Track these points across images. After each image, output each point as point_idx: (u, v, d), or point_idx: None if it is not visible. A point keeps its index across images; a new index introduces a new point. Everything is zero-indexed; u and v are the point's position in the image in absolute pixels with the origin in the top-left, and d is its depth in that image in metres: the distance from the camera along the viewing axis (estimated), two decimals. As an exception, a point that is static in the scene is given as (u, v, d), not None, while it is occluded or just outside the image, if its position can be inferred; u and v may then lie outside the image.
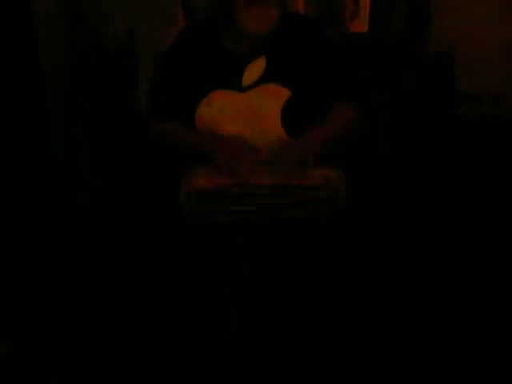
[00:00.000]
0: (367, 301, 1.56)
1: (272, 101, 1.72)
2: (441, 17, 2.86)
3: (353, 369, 1.46)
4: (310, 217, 1.56)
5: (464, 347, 1.55)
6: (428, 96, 2.87)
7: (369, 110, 1.90)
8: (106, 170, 2.71)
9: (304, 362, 1.47)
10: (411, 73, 2.88)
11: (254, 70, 1.75)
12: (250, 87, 1.74)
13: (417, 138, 2.89)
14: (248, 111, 1.72)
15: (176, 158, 1.73)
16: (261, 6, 1.68)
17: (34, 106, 2.55)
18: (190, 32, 1.87)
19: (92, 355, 1.62)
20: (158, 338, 1.54)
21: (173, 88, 1.81)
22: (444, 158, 2.85)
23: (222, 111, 1.73)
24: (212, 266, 1.58)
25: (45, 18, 2.61)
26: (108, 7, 2.82)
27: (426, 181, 2.73)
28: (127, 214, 1.95)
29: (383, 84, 2.85)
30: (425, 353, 1.53)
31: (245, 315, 1.52)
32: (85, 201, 2.57)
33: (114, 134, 2.74)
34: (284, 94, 1.72)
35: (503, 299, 1.70)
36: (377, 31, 2.93)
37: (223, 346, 1.49)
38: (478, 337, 1.56)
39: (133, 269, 1.66)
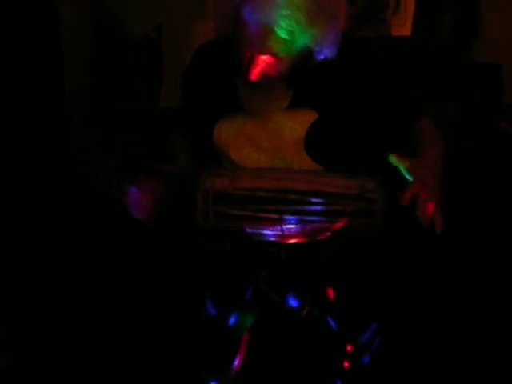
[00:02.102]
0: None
1: (295, 122, 1.51)
2: (490, 24, 2.68)
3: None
4: (341, 231, 1.37)
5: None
6: (472, 108, 2.68)
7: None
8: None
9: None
10: (456, 83, 2.69)
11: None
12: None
13: (457, 151, 2.70)
14: (268, 133, 1.52)
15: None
16: (264, 89, 1.51)
17: (55, 105, 2.51)
18: (210, 49, 1.66)
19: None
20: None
21: (192, 106, 1.65)
22: (484, 172, 2.67)
23: (239, 132, 1.53)
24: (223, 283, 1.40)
25: (69, 17, 2.56)
26: (134, 4, 2.73)
27: (465, 196, 2.56)
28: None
29: (425, 94, 2.67)
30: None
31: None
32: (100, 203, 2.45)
33: (136, 132, 2.61)
34: (310, 115, 1.51)
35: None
36: (421, 35, 2.75)
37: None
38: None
39: (137, 279, 1.49)
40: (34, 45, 2.46)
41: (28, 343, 1.62)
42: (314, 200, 1.37)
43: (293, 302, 1.36)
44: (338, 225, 1.37)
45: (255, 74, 1.41)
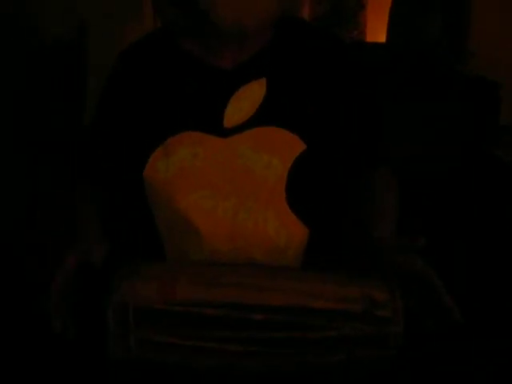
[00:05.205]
0: None
1: (273, 155, 1.02)
2: (482, 32, 2.24)
3: None
4: (337, 369, 0.88)
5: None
6: (463, 130, 2.24)
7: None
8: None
9: None
10: (443, 99, 2.25)
11: (245, 100, 1.04)
12: (236, 130, 1.04)
13: (444, 182, 2.29)
14: (231, 170, 1.02)
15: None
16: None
17: None
18: (138, 49, 1.16)
19: None
20: None
21: (112, 138, 1.13)
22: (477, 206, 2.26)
23: (186, 168, 1.03)
24: None
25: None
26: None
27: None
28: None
29: (405, 111, 2.23)
30: None
31: None
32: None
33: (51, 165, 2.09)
34: (295, 145, 1.02)
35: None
36: (399, 41, 2.28)
37: None
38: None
39: None
40: None
41: None
42: (294, 322, 0.87)
43: None
44: (333, 361, 0.87)
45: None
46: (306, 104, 1.05)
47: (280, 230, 1.01)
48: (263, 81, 1.05)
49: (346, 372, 0.89)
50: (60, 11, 2.30)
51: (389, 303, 0.89)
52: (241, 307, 0.87)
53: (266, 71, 1.05)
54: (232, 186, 1.01)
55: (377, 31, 2.33)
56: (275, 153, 1.01)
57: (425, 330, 0.91)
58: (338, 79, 1.08)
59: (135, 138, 1.07)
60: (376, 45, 2.31)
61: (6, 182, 2.08)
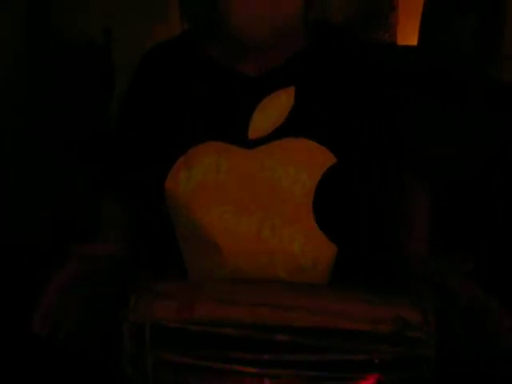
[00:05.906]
0: None
1: (301, 168, 0.97)
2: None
3: None
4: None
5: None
6: (493, 136, 2.17)
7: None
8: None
9: None
10: (474, 103, 2.18)
11: (272, 109, 0.99)
12: (262, 141, 0.99)
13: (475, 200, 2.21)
14: (255, 184, 0.97)
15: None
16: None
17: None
18: (161, 54, 1.11)
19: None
20: None
21: (132, 149, 1.09)
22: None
23: (208, 181, 0.98)
24: None
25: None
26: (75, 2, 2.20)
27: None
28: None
29: (435, 114, 2.17)
30: None
31: None
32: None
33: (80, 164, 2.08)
34: (324, 158, 0.97)
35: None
36: (432, 43, 2.22)
37: None
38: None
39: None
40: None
41: None
42: (319, 344, 0.82)
43: None
44: (361, 385, 0.82)
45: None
46: (336, 114, 0.99)
47: (306, 248, 0.96)
48: (291, 89, 1.00)
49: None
50: (85, 12, 2.30)
51: (421, 324, 0.83)
52: (263, 328, 0.82)
53: (295, 79, 1.00)
54: (256, 200, 0.96)
55: (408, 33, 2.27)
56: (303, 166, 0.96)
57: (465, 355, 0.85)
58: (369, 89, 1.03)
59: (158, 146, 1.03)
60: (408, 47, 2.26)
61: (12, 182, 2.10)
